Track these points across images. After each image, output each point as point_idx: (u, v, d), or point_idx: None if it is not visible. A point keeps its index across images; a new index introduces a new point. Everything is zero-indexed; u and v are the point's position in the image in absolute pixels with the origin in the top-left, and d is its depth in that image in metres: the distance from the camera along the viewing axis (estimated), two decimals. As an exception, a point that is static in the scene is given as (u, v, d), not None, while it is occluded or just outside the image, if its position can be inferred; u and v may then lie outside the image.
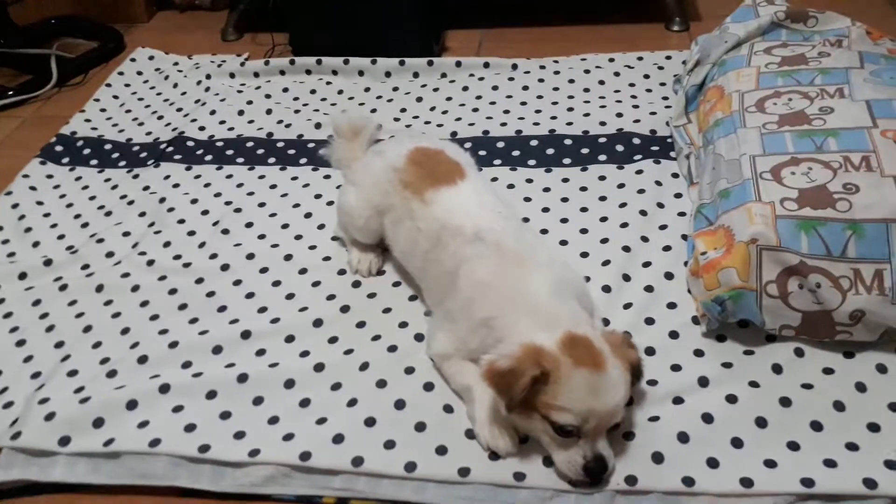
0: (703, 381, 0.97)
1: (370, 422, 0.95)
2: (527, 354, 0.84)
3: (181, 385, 1.01)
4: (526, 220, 1.22)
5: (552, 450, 0.87)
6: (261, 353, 1.06)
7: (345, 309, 1.11)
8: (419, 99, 1.58)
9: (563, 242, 1.19)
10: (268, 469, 0.91)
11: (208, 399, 0.99)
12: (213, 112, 1.60)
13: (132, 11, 2.03)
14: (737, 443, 0.89)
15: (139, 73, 1.78)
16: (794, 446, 0.88)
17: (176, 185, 1.40)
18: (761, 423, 0.91)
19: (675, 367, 0.99)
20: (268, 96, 1.64)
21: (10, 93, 1.70)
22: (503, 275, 0.95)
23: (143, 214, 1.33)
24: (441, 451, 0.91)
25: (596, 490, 0.86)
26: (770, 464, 0.87)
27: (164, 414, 0.98)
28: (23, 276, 1.22)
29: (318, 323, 1.09)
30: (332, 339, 1.07)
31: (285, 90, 1.66)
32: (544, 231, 1.21)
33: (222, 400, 0.99)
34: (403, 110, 1.56)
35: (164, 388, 1.01)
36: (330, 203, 1.33)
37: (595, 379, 0.83)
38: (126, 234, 1.29)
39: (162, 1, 2.10)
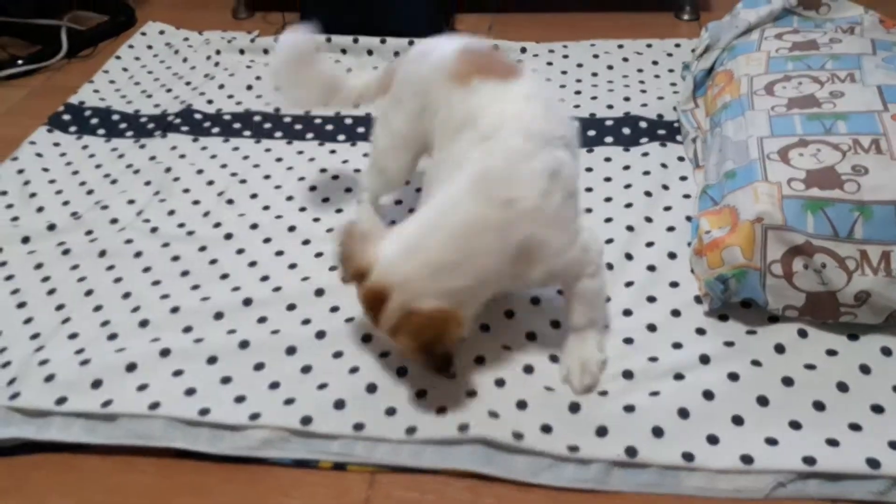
0: (705, 359, 0.96)
1: (371, 388, 0.95)
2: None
3: (182, 350, 1.01)
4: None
5: None
6: (262, 320, 1.06)
7: (347, 279, 1.11)
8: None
9: (568, 220, 1.19)
10: (265, 432, 0.91)
11: (209, 364, 0.99)
12: (221, 86, 1.60)
13: (144, -13, 2.03)
14: (738, 420, 0.89)
15: (149, 46, 1.78)
16: (795, 425, 0.88)
17: (182, 156, 1.39)
18: (763, 401, 0.91)
19: (677, 345, 0.99)
20: (276, 73, 1.63)
21: (20, 62, 1.70)
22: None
23: (148, 183, 1.33)
24: (440, 411, 0.91)
25: (593, 459, 0.86)
26: (771, 441, 0.86)
27: (164, 377, 0.98)
28: (26, 239, 1.22)
29: (319, 292, 1.09)
30: (334, 308, 1.07)
31: (294, 67, 1.65)
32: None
33: (223, 365, 0.99)
34: (411, 90, 1.55)
35: (165, 353, 1.01)
36: (335, 177, 1.33)
37: None
38: (131, 201, 1.29)
39: (173, -22, 2.09)
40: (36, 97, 1.63)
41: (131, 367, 0.99)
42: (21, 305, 1.11)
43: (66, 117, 1.53)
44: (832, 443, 0.86)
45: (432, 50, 1.03)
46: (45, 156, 1.42)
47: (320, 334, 1.03)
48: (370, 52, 1.68)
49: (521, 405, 0.92)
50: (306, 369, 0.98)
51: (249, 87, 1.59)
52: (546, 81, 0.99)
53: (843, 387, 0.92)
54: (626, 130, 1.38)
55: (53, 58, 1.73)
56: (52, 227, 1.24)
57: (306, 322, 1.05)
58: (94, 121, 1.52)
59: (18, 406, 0.94)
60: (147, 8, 1.98)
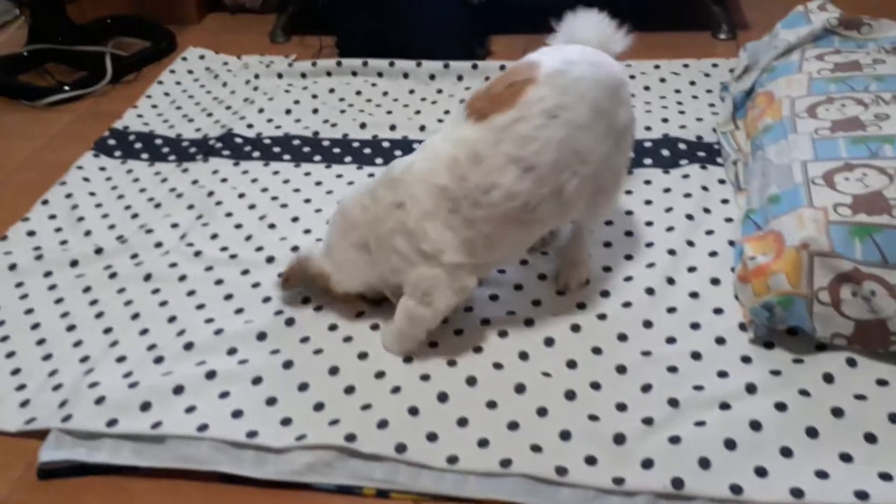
0: (751, 388, 0.95)
1: (413, 411, 0.95)
2: None
3: (227, 371, 1.03)
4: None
5: None
6: (304, 340, 1.07)
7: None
8: (463, 101, 1.58)
9: (608, 244, 1.19)
10: (310, 456, 0.92)
11: (254, 385, 1.01)
12: (261, 110, 1.62)
13: (184, 12, 2.07)
14: (786, 452, 0.88)
15: (190, 71, 1.81)
16: (846, 458, 0.86)
17: (224, 180, 1.42)
18: (812, 432, 0.89)
19: (722, 374, 0.98)
20: (314, 96, 1.66)
21: (67, 88, 1.74)
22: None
23: (191, 207, 1.35)
24: (483, 443, 0.91)
25: (639, 492, 0.85)
26: (821, 475, 0.85)
27: (211, 399, 0.99)
28: (74, 263, 1.25)
29: (360, 313, 1.10)
30: (374, 327, 1.08)
31: (331, 91, 1.67)
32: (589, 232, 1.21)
33: (268, 386, 1.00)
34: (447, 112, 1.56)
35: (211, 375, 1.02)
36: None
37: None
38: (174, 225, 1.32)
39: (213, 3, 2.13)
40: (82, 122, 1.67)
41: (178, 390, 1.00)
42: (71, 328, 1.13)
43: (111, 142, 1.56)
44: (885, 476, 0.84)
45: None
46: (92, 180, 1.46)
47: (362, 355, 1.04)
48: (406, 76, 1.69)
49: (565, 436, 0.91)
50: (349, 390, 0.99)
51: (288, 112, 1.61)
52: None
53: (894, 418, 0.90)
54: (666, 152, 1.37)
55: (98, 83, 1.77)
56: (99, 251, 1.27)
57: (347, 340, 1.06)
58: (138, 145, 1.55)
59: (71, 428, 0.96)
60: (187, 33, 2.02)
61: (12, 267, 1.25)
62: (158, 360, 1.06)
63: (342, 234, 1.06)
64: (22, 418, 1.00)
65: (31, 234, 1.32)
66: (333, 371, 1.02)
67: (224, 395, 1.00)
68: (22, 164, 1.54)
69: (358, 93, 1.66)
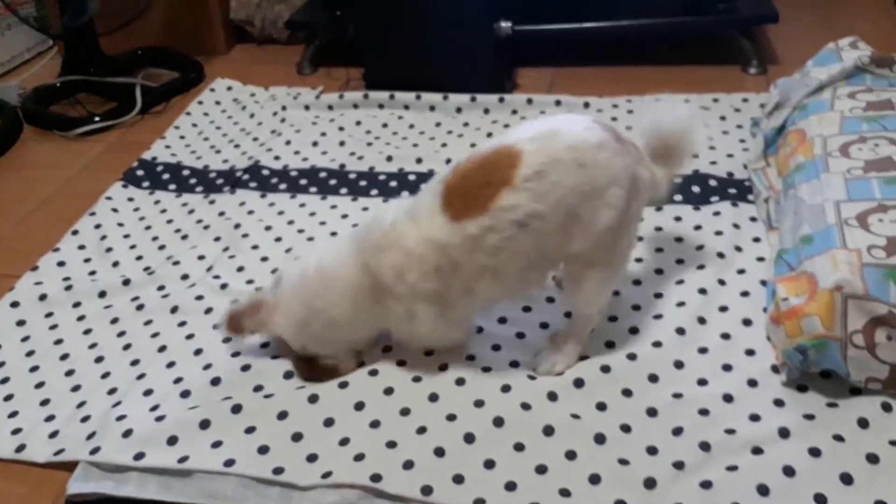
0: (784, 433, 0.93)
1: (439, 452, 0.94)
2: None
3: (253, 406, 1.02)
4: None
5: None
6: (330, 376, 1.07)
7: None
8: (489, 135, 1.60)
9: (637, 282, 1.18)
10: (334, 495, 0.91)
11: (280, 420, 1.00)
12: (287, 142, 1.63)
13: (212, 43, 2.10)
14: (820, 498, 0.85)
15: (217, 102, 1.83)
16: (881, 505, 0.84)
17: (251, 212, 1.43)
18: (846, 479, 0.87)
19: (754, 417, 0.96)
20: (341, 129, 1.67)
21: (97, 119, 1.77)
22: None
23: (217, 239, 1.36)
24: (510, 487, 0.90)
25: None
26: (857, 523, 0.83)
27: (238, 434, 0.99)
28: (102, 294, 1.26)
29: (387, 348, 1.10)
30: (401, 363, 1.07)
31: (358, 123, 1.68)
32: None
33: (293, 421, 1.00)
34: (473, 145, 1.56)
35: (237, 409, 1.02)
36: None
37: None
38: (201, 257, 1.32)
39: (240, 34, 2.16)
40: (111, 152, 1.69)
41: (205, 424, 1.00)
42: (99, 360, 1.14)
43: (140, 172, 1.58)
44: (924, 526, 0.82)
45: None
46: (121, 210, 1.47)
47: (388, 390, 1.03)
48: (432, 108, 1.70)
49: (594, 480, 0.90)
50: (375, 424, 0.98)
51: (315, 144, 1.62)
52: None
53: (931, 465, 0.88)
54: (696, 189, 1.36)
55: (128, 114, 1.80)
56: (126, 282, 1.27)
57: (373, 374, 1.06)
58: (166, 176, 1.56)
59: (99, 461, 0.96)
60: (215, 63, 2.05)
61: (43, 297, 1.26)
62: (185, 393, 1.06)
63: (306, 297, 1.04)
64: (51, 449, 1.00)
65: (60, 264, 1.34)
66: (359, 406, 1.01)
67: (250, 430, 0.99)
68: (53, 194, 1.56)
69: (384, 125, 1.66)
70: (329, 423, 0.99)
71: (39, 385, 1.10)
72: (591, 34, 1.79)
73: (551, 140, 0.94)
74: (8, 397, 1.09)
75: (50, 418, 1.05)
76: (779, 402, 0.98)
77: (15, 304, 1.25)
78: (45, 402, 1.07)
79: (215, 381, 1.07)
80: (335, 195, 1.46)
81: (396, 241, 0.98)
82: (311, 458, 0.95)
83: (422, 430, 0.97)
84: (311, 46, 1.98)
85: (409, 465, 0.93)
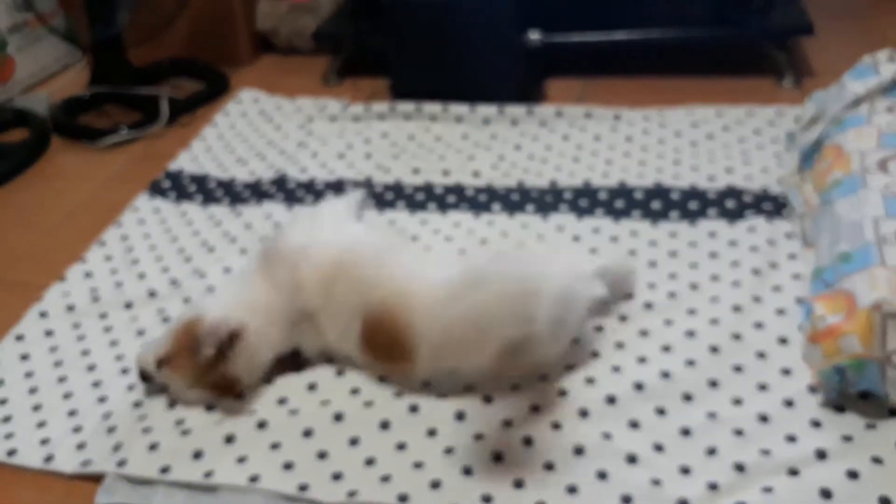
0: (821, 454, 0.91)
1: (467, 471, 0.93)
2: None
3: (278, 423, 1.02)
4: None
5: None
6: (355, 392, 1.06)
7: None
8: (517, 147, 1.58)
9: (672, 295, 1.16)
10: (361, 514, 0.90)
11: (305, 437, 0.99)
12: (314, 154, 1.63)
13: (238, 54, 2.11)
14: (860, 523, 0.83)
15: (243, 114, 1.83)
16: (923, 529, 0.82)
17: (277, 225, 1.42)
18: (885, 502, 0.85)
19: (791, 438, 0.94)
20: (367, 141, 1.66)
21: (124, 130, 1.78)
22: None
23: (244, 251, 1.36)
24: (541, 508, 0.88)
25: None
26: (899, 548, 0.80)
27: (263, 450, 0.98)
28: (129, 305, 1.26)
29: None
30: (426, 382, 1.06)
31: (384, 135, 1.68)
32: (651, 285, 1.18)
33: (319, 439, 0.99)
34: (501, 158, 1.55)
35: (262, 425, 1.01)
36: (427, 247, 1.32)
37: None
38: (227, 269, 1.32)
39: (266, 44, 2.17)
40: (137, 163, 1.70)
41: (230, 439, 1.00)
42: (125, 371, 1.13)
43: (166, 184, 1.58)
44: (970, 554, 0.79)
45: None
46: (147, 222, 1.47)
47: (413, 408, 1.02)
48: (459, 120, 1.69)
49: (626, 499, 0.88)
50: (401, 446, 0.97)
51: (341, 156, 1.62)
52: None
53: (976, 490, 0.85)
54: (730, 204, 1.34)
55: (154, 125, 1.80)
56: (152, 294, 1.27)
57: (399, 395, 1.04)
58: (192, 187, 1.56)
59: (126, 473, 0.96)
60: (241, 73, 2.05)
61: (70, 308, 1.26)
62: (209, 407, 1.05)
63: None
64: (78, 460, 1.00)
65: (87, 275, 1.34)
66: (384, 425, 1.00)
67: (275, 446, 0.99)
68: (80, 205, 1.57)
69: (411, 137, 1.66)
70: (354, 441, 0.98)
71: (67, 396, 1.10)
72: (622, 44, 1.77)
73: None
74: (36, 407, 1.09)
75: (77, 429, 1.05)
76: (816, 423, 0.95)
77: (43, 315, 1.26)
78: (72, 413, 1.07)
79: (239, 395, 1.06)
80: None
81: None
82: (337, 476, 0.94)
83: (449, 451, 0.96)
84: (338, 58, 1.98)
85: (436, 485, 0.91)
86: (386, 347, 1.01)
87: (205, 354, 1.00)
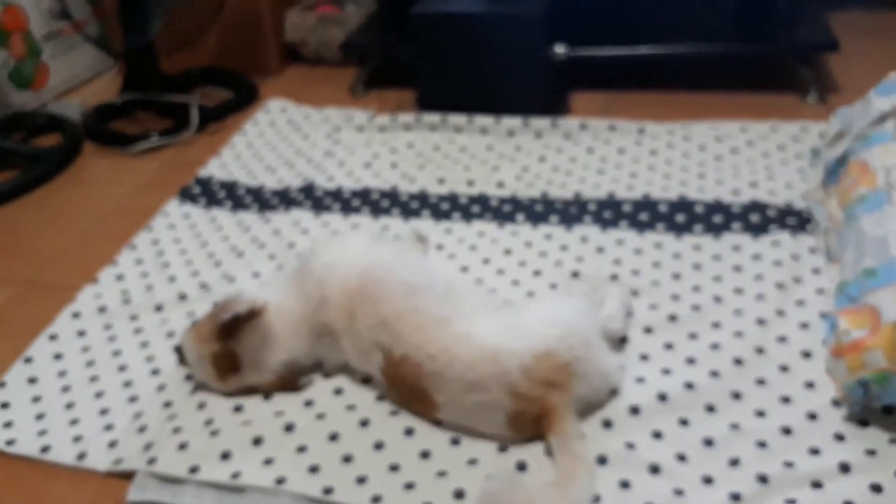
0: (845, 468, 0.91)
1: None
2: None
3: (304, 426, 1.03)
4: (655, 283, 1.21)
5: None
6: (381, 398, 1.07)
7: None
8: (542, 158, 1.60)
9: (696, 307, 1.17)
10: (387, 518, 0.91)
11: (331, 441, 1.01)
12: (341, 164, 1.65)
13: (266, 64, 2.14)
14: (883, 536, 0.84)
15: (272, 123, 1.86)
16: (948, 545, 0.82)
17: (305, 232, 1.44)
18: (910, 517, 0.85)
19: (814, 451, 0.94)
20: (393, 151, 1.69)
21: (155, 136, 1.81)
22: None
23: (272, 257, 1.38)
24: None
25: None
26: (923, 563, 0.81)
27: (289, 453, 1.00)
28: (159, 307, 1.28)
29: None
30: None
31: (410, 145, 1.70)
32: (675, 297, 1.19)
33: (344, 444, 1.01)
34: (526, 169, 1.57)
35: (289, 427, 1.03)
36: (452, 256, 1.34)
37: None
38: (256, 274, 1.34)
39: (293, 55, 2.20)
40: (166, 170, 1.73)
41: (258, 441, 1.01)
42: (155, 372, 1.16)
43: (196, 189, 1.61)
44: None
45: None
46: (177, 227, 1.50)
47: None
48: (484, 131, 1.71)
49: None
50: (425, 454, 0.98)
51: (368, 165, 1.64)
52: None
53: None
54: (755, 218, 1.35)
55: (184, 132, 1.84)
56: (183, 297, 1.30)
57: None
58: (222, 194, 1.59)
59: (156, 471, 0.98)
60: (269, 83, 2.09)
61: (102, 309, 1.29)
62: (237, 409, 1.07)
63: None
64: (110, 458, 1.02)
65: (119, 277, 1.37)
66: (409, 432, 1.02)
67: (301, 449, 1.00)
68: (112, 209, 1.60)
69: (436, 148, 1.68)
70: (379, 446, 1.00)
71: (99, 395, 1.13)
72: (646, 58, 1.78)
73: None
74: (69, 405, 1.12)
75: (109, 427, 1.07)
76: (839, 437, 0.96)
77: (76, 315, 1.28)
78: (104, 412, 1.10)
79: (267, 397, 1.08)
80: (387, 216, 1.47)
81: None
82: (361, 479, 0.95)
83: (472, 462, 0.97)
84: (365, 69, 2.01)
85: (459, 494, 0.93)
86: (407, 393, 1.03)
87: (221, 318, 1.03)
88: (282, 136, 1.80)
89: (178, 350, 1.09)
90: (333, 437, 1.01)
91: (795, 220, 1.33)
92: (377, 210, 1.49)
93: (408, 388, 1.01)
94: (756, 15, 1.85)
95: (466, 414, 0.99)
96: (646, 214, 1.39)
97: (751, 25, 1.83)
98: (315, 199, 1.54)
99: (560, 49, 1.74)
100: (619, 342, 1.11)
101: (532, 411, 0.95)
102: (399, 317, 1.01)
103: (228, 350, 1.05)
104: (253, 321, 1.05)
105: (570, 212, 1.42)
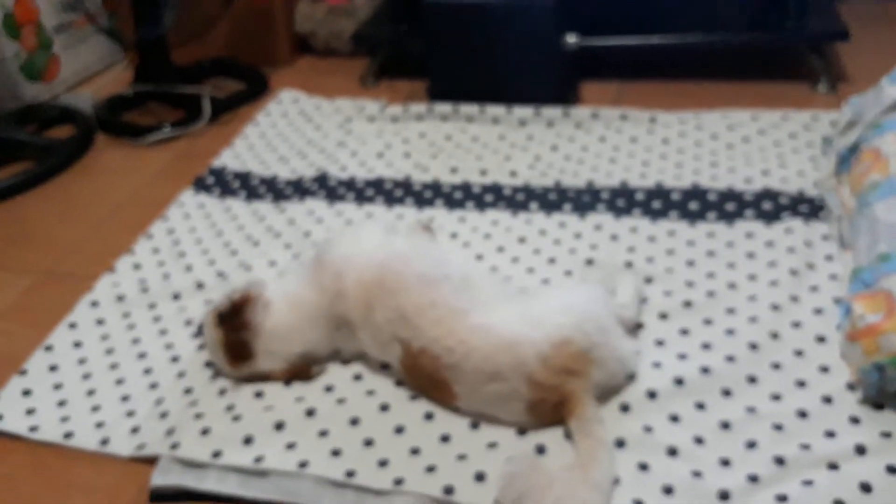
0: (861, 450, 0.93)
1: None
2: None
3: (325, 411, 1.05)
4: (669, 270, 1.22)
5: None
6: (400, 383, 1.08)
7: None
8: (554, 148, 1.61)
9: (710, 294, 1.18)
10: (409, 499, 0.93)
11: (352, 426, 1.02)
12: (353, 154, 1.66)
13: (277, 55, 2.15)
14: (900, 517, 0.85)
15: (284, 113, 1.87)
16: (963, 525, 0.83)
17: (319, 221, 1.45)
18: (926, 498, 0.86)
19: (830, 434, 0.95)
20: (405, 141, 1.69)
21: (167, 128, 1.82)
22: None
23: (288, 246, 1.39)
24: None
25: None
26: (939, 542, 0.82)
27: (311, 437, 1.01)
28: (177, 296, 1.30)
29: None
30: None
31: (422, 135, 1.71)
32: (689, 284, 1.20)
33: (365, 428, 1.02)
34: (538, 158, 1.58)
35: (310, 412, 1.04)
36: (466, 244, 1.35)
37: None
38: (272, 263, 1.36)
39: (304, 46, 2.21)
40: (179, 160, 1.74)
41: (279, 426, 1.03)
42: (175, 359, 1.17)
43: (210, 180, 1.62)
44: None
45: None
46: (192, 216, 1.51)
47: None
48: (496, 121, 1.72)
49: (667, 491, 0.90)
50: (445, 438, 1.00)
51: (380, 155, 1.65)
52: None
53: None
54: (767, 206, 1.36)
55: (196, 123, 1.85)
56: (200, 286, 1.31)
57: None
58: (236, 184, 1.60)
59: (179, 456, 1.00)
60: (280, 74, 2.09)
61: (120, 298, 1.30)
62: (258, 394, 1.08)
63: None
64: (133, 444, 1.04)
65: (136, 266, 1.38)
66: (429, 416, 1.03)
67: (323, 433, 1.02)
68: (126, 200, 1.61)
69: (448, 137, 1.69)
70: (400, 430, 1.01)
71: (120, 382, 1.14)
72: (658, 48, 1.79)
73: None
74: (90, 392, 1.13)
75: (131, 413, 1.09)
76: (855, 420, 0.97)
77: (95, 304, 1.30)
78: (125, 398, 1.11)
79: (289, 382, 1.10)
80: (401, 205, 1.48)
81: None
82: (383, 463, 0.97)
83: (492, 446, 0.98)
84: (375, 60, 2.01)
85: (480, 477, 0.94)
86: (426, 383, 1.04)
87: (219, 307, 1.09)
88: (294, 127, 1.81)
89: (200, 330, 1.11)
90: (354, 421, 1.03)
91: (808, 207, 1.34)
92: (391, 199, 1.50)
93: (427, 379, 1.02)
94: (766, 4, 1.86)
95: (485, 403, 1.00)
96: (659, 202, 1.40)
97: (761, 15, 1.83)
98: (329, 188, 1.55)
99: (571, 39, 1.75)
100: (634, 328, 1.12)
101: (551, 399, 0.96)
102: (417, 310, 1.01)
103: (239, 338, 1.07)
104: (267, 310, 1.07)
105: (584, 200, 1.43)
